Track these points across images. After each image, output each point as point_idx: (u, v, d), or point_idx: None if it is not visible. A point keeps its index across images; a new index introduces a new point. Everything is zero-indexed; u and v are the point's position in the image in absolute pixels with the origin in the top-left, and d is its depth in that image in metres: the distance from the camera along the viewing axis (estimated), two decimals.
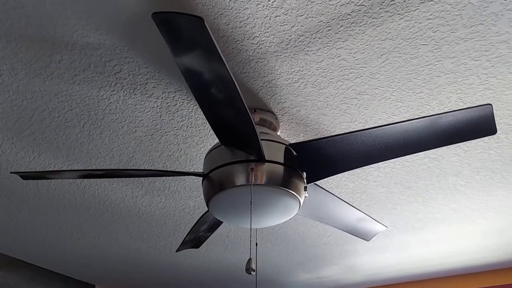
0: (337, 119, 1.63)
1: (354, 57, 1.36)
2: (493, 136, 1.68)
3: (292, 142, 1.57)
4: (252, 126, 1.23)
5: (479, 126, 1.16)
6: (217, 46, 0.97)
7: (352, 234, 1.89)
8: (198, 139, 1.76)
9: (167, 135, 1.74)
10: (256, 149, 1.33)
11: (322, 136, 1.35)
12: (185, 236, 1.94)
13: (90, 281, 3.34)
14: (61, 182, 2.07)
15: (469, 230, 2.44)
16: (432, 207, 2.21)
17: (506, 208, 2.21)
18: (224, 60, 1.02)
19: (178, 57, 1.02)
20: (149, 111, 1.61)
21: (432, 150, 1.77)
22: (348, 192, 2.08)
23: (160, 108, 1.60)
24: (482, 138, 1.69)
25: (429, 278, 3.18)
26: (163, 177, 2.02)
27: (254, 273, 1.22)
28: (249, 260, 1.21)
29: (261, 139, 1.34)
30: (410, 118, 1.58)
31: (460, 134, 1.20)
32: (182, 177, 2.02)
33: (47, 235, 2.62)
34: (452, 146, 1.75)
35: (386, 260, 2.87)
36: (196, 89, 1.13)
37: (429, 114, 1.20)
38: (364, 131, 1.27)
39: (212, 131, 1.72)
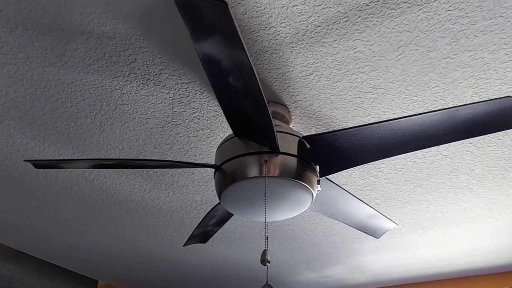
0: (350, 113, 1.62)
1: (370, 49, 1.35)
2: (507, 133, 1.66)
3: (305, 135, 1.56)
4: (268, 116, 1.22)
5: (498, 119, 1.15)
6: (239, 32, 0.97)
7: (362, 231, 1.87)
8: (209, 132, 1.75)
9: (178, 127, 1.73)
10: (271, 140, 1.32)
11: (335, 129, 1.34)
12: (193, 230, 1.93)
13: (93, 276, 3.33)
14: (70, 174, 2.07)
15: (480, 231, 2.43)
16: (442, 206, 2.19)
17: None
18: (245, 47, 1.01)
19: (198, 42, 1.01)
20: (161, 103, 1.61)
21: (444, 146, 1.76)
22: (358, 189, 2.07)
23: (172, 100, 1.59)
24: (496, 135, 1.68)
25: (437, 280, 3.15)
26: (171, 171, 2.02)
27: (269, 264, 1.21)
28: (264, 251, 1.20)
29: (275, 131, 1.33)
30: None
31: (478, 127, 1.19)
32: (191, 171, 2.02)
33: (52, 228, 2.62)
34: (465, 143, 1.73)
35: (394, 260, 2.85)
36: (213, 77, 1.12)
37: (447, 107, 1.19)
38: (380, 123, 1.26)
39: (222, 124, 1.71)
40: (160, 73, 1.48)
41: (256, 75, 1.09)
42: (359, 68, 1.42)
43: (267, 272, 1.21)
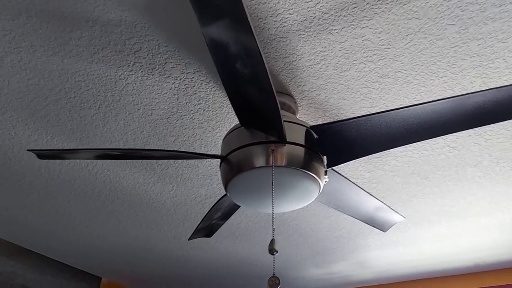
0: (357, 103, 1.60)
1: (379, 37, 1.34)
2: None
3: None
4: (276, 104, 1.21)
5: (510, 106, 1.13)
6: (248, 16, 0.95)
7: (369, 224, 1.86)
8: (214, 124, 1.74)
9: (183, 118, 1.72)
10: (278, 130, 1.31)
11: (343, 119, 1.32)
12: (197, 224, 1.91)
13: (96, 273, 3.31)
14: (73, 167, 2.05)
15: (486, 225, 2.40)
16: (448, 200, 2.18)
17: None
18: (254, 32, 0.99)
19: (205, 26, 1.00)
20: (166, 93, 1.59)
21: (452, 138, 1.74)
22: (364, 182, 2.05)
23: (177, 90, 1.58)
24: (505, 126, 1.66)
25: (443, 276, 3.12)
26: (176, 164, 2.00)
27: (276, 253, 1.19)
28: (272, 241, 1.18)
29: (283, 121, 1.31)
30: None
31: (489, 115, 1.17)
32: (196, 164, 2.00)
33: (55, 223, 2.60)
34: (473, 135, 1.71)
35: (399, 255, 2.83)
36: (220, 62, 1.10)
37: (456, 95, 1.17)
38: (389, 112, 1.24)
39: (228, 116, 1.69)
40: (166, 63, 1.46)
41: (264, 61, 1.07)
42: (367, 56, 1.40)
43: (274, 262, 1.20)
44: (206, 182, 2.14)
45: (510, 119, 1.16)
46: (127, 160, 2.00)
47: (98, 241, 2.84)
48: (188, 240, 2.06)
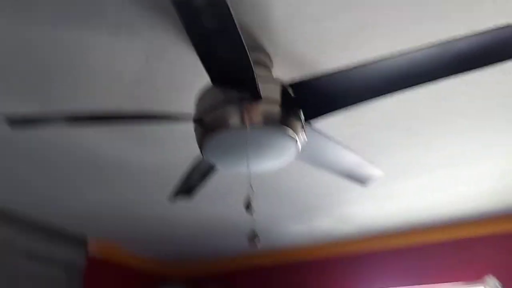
0: (336, 57, 1.53)
1: None
2: (503, 70, 1.59)
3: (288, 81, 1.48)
4: (248, 59, 1.14)
5: (497, 49, 1.07)
6: None
7: (349, 179, 1.84)
8: (189, 86, 1.66)
9: (155, 82, 1.64)
10: (251, 87, 1.25)
11: (320, 74, 1.26)
12: (177, 184, 1.88)
13: (84, 234, 3.32)
14: (49, 135, 1.97)
15: (468, 176, 2.41)
16: (430, 152, 2.16)
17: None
18: None
19: None
20: (135, 55, 1.50)
21: (434, 87, 1.69)
22: (345, 137, 2.00)
23: (147, 52, 1.49)
24: (491, 72, 1.60)
25: (424, 228, 3.16)
26: (153, 128, 1.93)
27: (254, 211, 1.18)
28: (247, 196, 1.15)
29: (256, 77, 1.25)
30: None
31: (475, 60, 1.11)
32: (172, 127, 1.93)
33: (37, 186, 2.54)
34: (458, 81, 1.66)
35: (380, 209, 2.85)
36: (184, 16, 1.02)
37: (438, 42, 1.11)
38: (366, 64, 1.18)
39: (203, 76, 1.61)
40: (132, 22, 1.36)
41: (232, 12, 1.00)
42: (344, 5, 1.32)
43: (253, 217, 1.17)
44: (186, 144, 2.08)
45: (498, 63, 1.11)
46: (102, 126, 1.93)
47: (82, 204, 2.79)
48: (169, 200, 2.03)
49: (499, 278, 2.83)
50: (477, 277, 2.90)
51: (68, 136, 2.01)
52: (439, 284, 3.03)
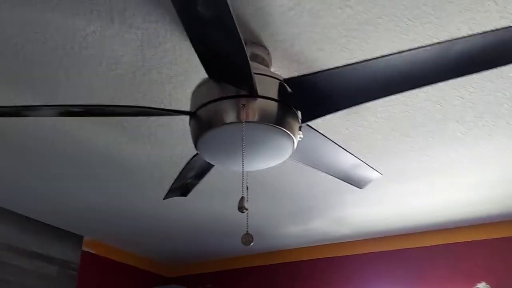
0: (335, 54, 1.50)
1: None
2: (502, 75, 1.57)
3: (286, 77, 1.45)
4: (244, 53, 1.10)
5: (498, 52, 1.04)
6: None
7: (345, 181, 1.81)
8: (184, 79, 1.63)
9: (150, 73, 1.60)
10: (248, 82, 1.21)
11: (319, 71, 1.23)
12: (172, 183, 1.84)
13: (79, 232, 3.29)
14: (42, 128, 1.93)
15: (464, 182, 2.38)
16: (428, 156, 2.13)
17: (507, 158, 2.12)
18: None
19: None
20: (129, 45, 1.47)
21: (434, 91, 1.66)
22: (342, 139, 1.98)
23: (141, 41, 1.45)
24: (490, 78, 1.58)
25: (419, 232, 3.12)
26: (147, 123, 1.90)
27: (246, 211, 1.13)
28: (242, 198, 1.11)
29: (253, 73, 1.21)
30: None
31: (476, 63, 1.08)
32: (168, 122, 1.90)
33: (30, 182, 2.50)
34: (456, 87, 1.64)
35: (376, 212, 2.81)
36: (179, 4, 0.99)
37: (438, 42, 1.08)
38: (365, 62, 1.15)
39: (199, 69, 1.58)
40: (125, 10, 1.33)
41: (229, 3, 0.96)
42: (344, 1, 1.29)
43: (247, 219, 1.14)
44: (181, 141, 2.05)
45: (499, 66, 1.08)
46: (96, 119, 1.89)
47: (77, 201, 2.76)
48: (164, 199, 2.00)
49: (492, 283, 2.79)
50: (470, 282, 2.86)
51: (63, 134, 1.98)
52: None
